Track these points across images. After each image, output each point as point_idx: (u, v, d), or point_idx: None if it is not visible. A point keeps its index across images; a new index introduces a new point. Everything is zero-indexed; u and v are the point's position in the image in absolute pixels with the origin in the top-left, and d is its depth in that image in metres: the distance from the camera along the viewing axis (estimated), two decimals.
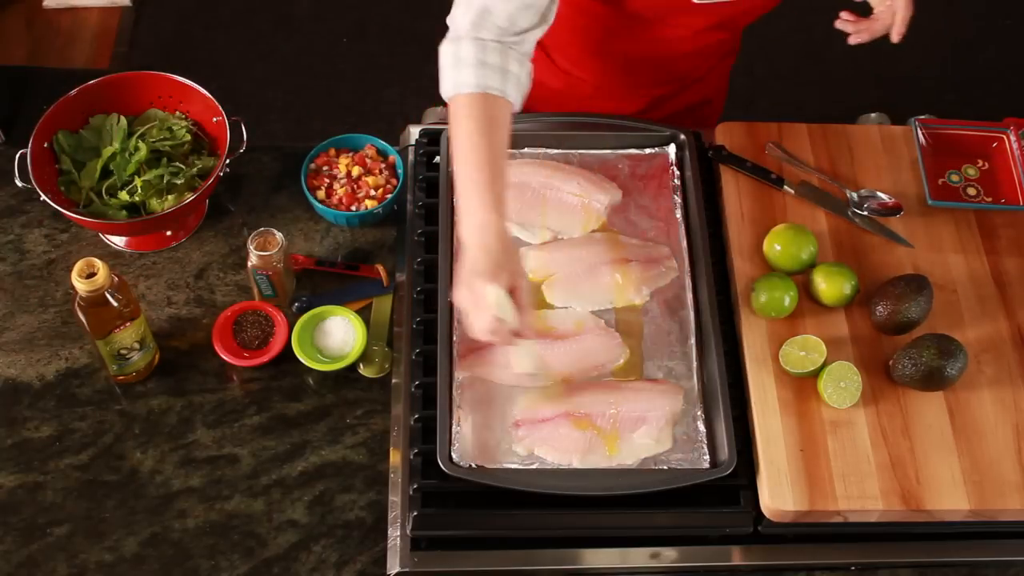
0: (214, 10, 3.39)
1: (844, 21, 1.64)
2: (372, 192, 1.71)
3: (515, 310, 1.34)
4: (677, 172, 1.69)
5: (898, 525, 1.45)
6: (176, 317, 1.65)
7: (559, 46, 1.76)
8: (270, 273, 1.59)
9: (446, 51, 1.45)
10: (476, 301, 1.35)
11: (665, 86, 1.82)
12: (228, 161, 1.68)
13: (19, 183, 1.62)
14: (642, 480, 1.43)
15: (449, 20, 1.46)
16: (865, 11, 1.68)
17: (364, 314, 1.64)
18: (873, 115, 1.86)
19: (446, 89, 1.45)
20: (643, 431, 1.46)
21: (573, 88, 1.81)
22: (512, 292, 1.34)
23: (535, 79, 1.78)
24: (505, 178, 1.41)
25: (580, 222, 1.64)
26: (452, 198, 1.63)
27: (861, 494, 1.40)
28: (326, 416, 1.57)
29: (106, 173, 1.70)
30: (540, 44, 1.76)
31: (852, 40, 1.63)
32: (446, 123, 1.82)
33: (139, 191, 1.66)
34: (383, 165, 1.75)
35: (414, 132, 1.77)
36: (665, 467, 1.44)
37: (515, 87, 1.44)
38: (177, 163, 1.69)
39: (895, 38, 1.57)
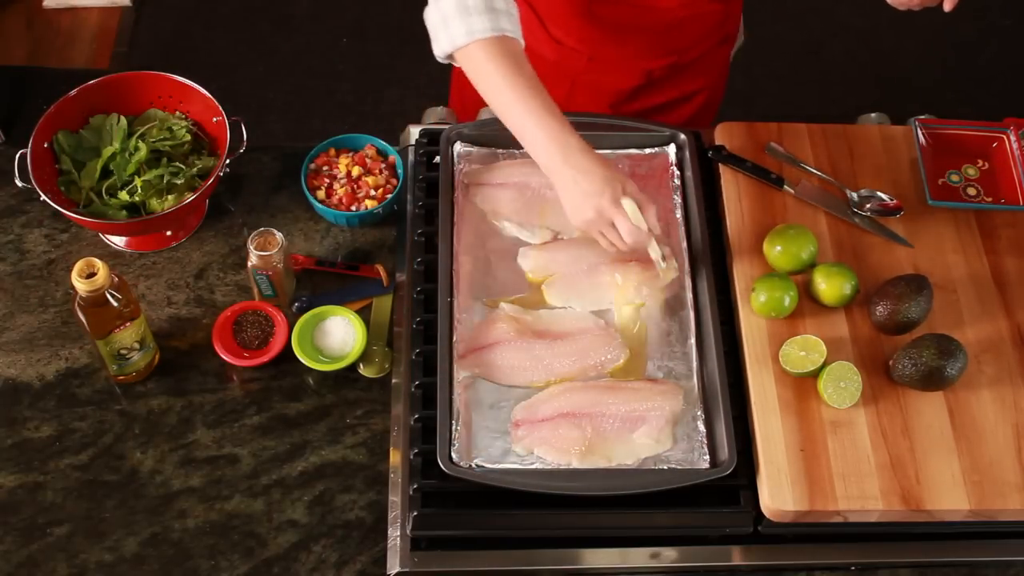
0: (214, 10, 3.40)
1: None
2: (372, 192, 1.71)
3: (643, 214, 1.41)
4: (677, 172, 1.69)
5: (898, 525, 1.45)
6: (176, 317, 1.65)
7: (551, 13, 1.76)
8: (270, 273, 1.59)
9: (447, 3, 1.41)
10: (607, 220, 1.40)
11: (659, 59, 1.81)
12: (228, 161, 1.68)
13: (19, 183, 1.62)
14: (642, 480, 1.43)
15: None
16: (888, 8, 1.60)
17: (364, 314, 1.64)
18: (873, 115, 1.86)
19: (456, 38, 1.40)
20: (643, 431, 1.46)
21: (566, 59, 1.80)
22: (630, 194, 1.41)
23: (529, 50, 1.78)
24: (554, 102, 1.41)
25: None
26: (452, 198, 1.63)
27: (861, 494, 1.40)
28: (326, 416, 1.57)
29: (106, 173, 1.70)
30: (534, 12, 1.77)
31: (902, 7, 1.55)
32: (446, 123, 1.83)
33: (139, 191, 1.66)
34: (383, 165, 1.75)
35: (414, 132, 1.77)
36: (665, 467, 1.44)
37: (520, 27, 1.45)
38: (177, 163, 1.69)
39: (948, 7, 1.51)
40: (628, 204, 1.41)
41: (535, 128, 1.40)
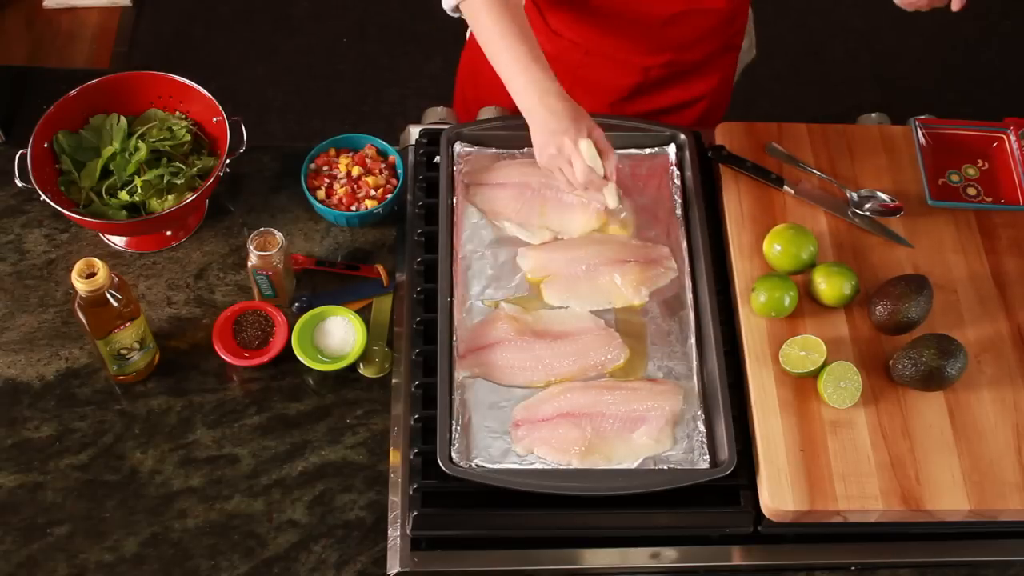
0: (214, 10, 3.40)
1: None
2: (372, 192, 1.71)
3: (601, 156, 1.47)
4: (677, 172, 1.69)
5: (898, 525, 1.45)
6: (176, 317, 1.65)
7: (550, 4, 1.77)
8: (270, 273, 1.59)
9: None
10: (566, 157, 1.47)
11: (655, 55, 1.81)
12: (228, 161, 1.68)
13: (19, 183, 1.62)
14: (642, 480, 1.43)
15: None
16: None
17: (364, 314, 1.64)
18: (873, 115, 1.86)
19: None
20: (643, 431, 1.46)
21: (564, 53, 1.81)
22: (593, 140, 1.47)
23: None
24: (542, 53, 1.50)
25: (580, 222, 1.64)
26: (452, 198, 1.64)
27: (861, 494, 1.40)
28: (326, 416, 1.57)
29: (106, 173, 1.70)
30: (534, 4, 1.78)
31: (911, 7, 1.56)
32: (446, 123, 1.83)
33: (139, 191, 1.66)
34: (383, 165, 1.75)
35: (414, 132, 1.78)
36: (665, 467, 1.44)
37: None
38: (177, 163, 1.69)
39: (956, 7, 1.51)
40: (585, 145, 1.46)
41: (520, 72, 1.48)
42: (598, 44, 1.79)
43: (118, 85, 1.73)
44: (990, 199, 1.70)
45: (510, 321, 1.54)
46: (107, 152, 1.69)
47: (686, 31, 1.77)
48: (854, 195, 1.66)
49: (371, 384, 1.60)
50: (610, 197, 1.54)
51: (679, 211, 1.65)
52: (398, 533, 1.45)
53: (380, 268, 1.68)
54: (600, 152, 1.48)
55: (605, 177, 1.49)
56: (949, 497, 1.41)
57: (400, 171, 1.74)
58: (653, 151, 1.71)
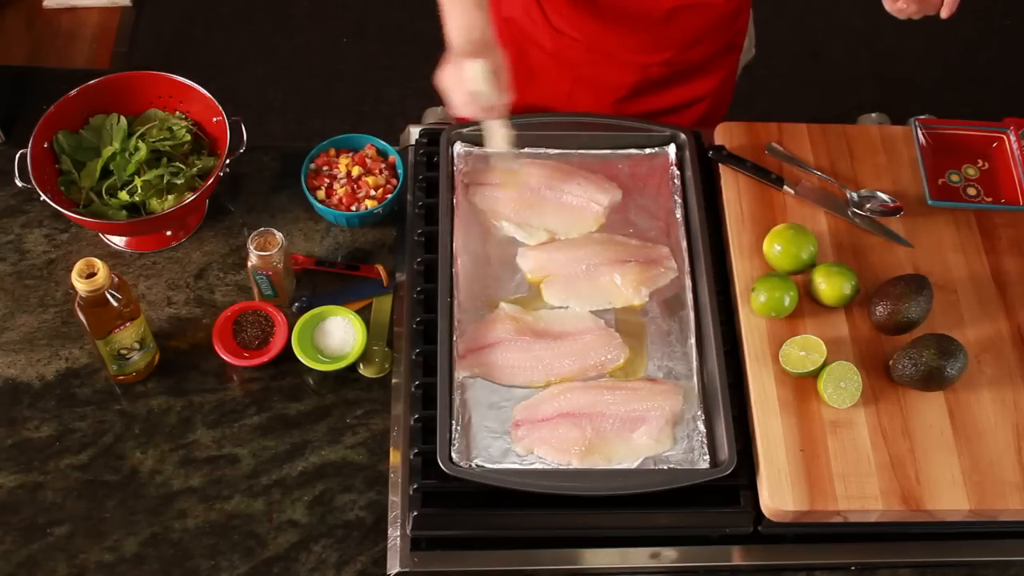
0: (214, 10, 3.39)
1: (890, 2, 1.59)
2: (372, 192, 1.71)
3: (494, 88, 1.44)
4: (677, 172, 1.69)
5: (898, 525, 1.45)
6: (176, 317, 1.65)
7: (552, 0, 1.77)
8: (270, 273, 1.59)
9: None
10: (458, 79, 1.46)
11: (655, 53, 1.81)
12: (228, 161, 1.68)
13: (19, 183, 1.62)
14: (642, 480, 1.43)
15: None
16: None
17: (364, 314, 1.64)
18: (873, 115, 1.86)
19: None
20: (643, 431, 1.46)
21: (564, 50, 1.81)
22: (495, 74, 1.44)
23: (528, 38, 1.79)
24: (487, 4, 1.50)
25: (579, 222, 1.64)
26: (452, 198, 1.64)
27: (861, 494, 1.40)
28: (326, 416, 1.57)
29: (106, 173, 1.70)
30: (536, 1, 1.78)
31: (901, 15, 1.59)
32: (446, 123, 1.83)
33: (139, 191, 1.66)
34: (383, 165, 1.75)
35: (414, 132, 1.78)
36: (665, 467, 1.44)
37: None
38: (177, 163, 1.69)
39: (945, 14, 1.53)
40: (478, 66, 1.43)
41: (457, 13, 1.49)
42: (598, 40, 1.79)
43: (118, 85, 1.73)
44: (990, 199, 1.70)
45: (510, 321, 1.54)
46: (107, 152, 1.69)
47: (686, 28, 1.77)
48: (854, 195, 1.66)
49: (371, 384, 1.60)
50: (496, 136, 1.54)
51: (679, 211, 1.65)
52: (398, 533, 1.45)
53: (380, 268, 1.68)
54: (498, 86, 1.46)
55: (493, 111, 1.48)
56: (949, 497, 1.41)
57: (400, 171, 1.74)
58: (653, 151, 1.72)
